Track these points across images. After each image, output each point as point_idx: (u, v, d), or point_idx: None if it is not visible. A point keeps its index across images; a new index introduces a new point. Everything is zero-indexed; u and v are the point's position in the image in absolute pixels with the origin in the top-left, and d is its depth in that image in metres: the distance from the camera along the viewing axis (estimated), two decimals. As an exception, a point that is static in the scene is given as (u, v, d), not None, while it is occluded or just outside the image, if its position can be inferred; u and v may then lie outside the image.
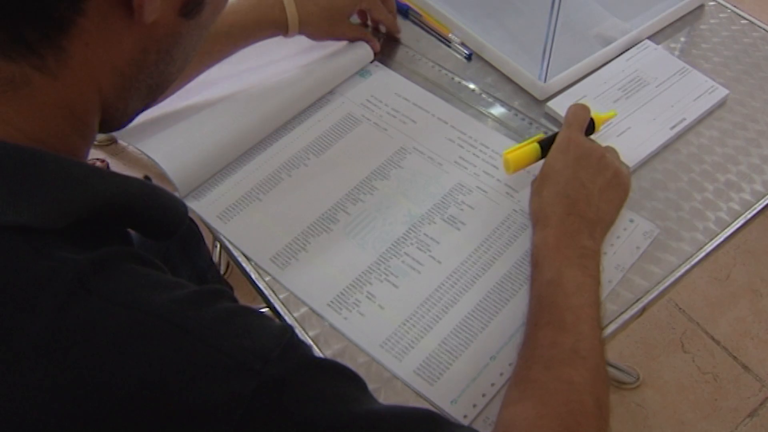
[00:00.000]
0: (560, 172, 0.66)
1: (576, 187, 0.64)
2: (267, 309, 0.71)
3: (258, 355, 0.38)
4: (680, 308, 1.60)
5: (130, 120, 0.51)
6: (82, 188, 0.41)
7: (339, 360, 0.65)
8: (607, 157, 0.67)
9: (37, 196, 0.39)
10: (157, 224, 0.47)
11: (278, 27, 0.80)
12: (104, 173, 0.43)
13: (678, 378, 1.51)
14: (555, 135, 0.71)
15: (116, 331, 0.37)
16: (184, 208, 0.50)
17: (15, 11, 0.38)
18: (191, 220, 0.75)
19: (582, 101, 0.84)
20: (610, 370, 1.47)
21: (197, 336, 0.38)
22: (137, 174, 0.74)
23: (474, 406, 0.63)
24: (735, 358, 1.53)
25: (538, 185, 0.68)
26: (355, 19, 0.92)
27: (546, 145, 0.71)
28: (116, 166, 1.71)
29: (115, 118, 0.49)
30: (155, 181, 0.81)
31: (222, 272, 1.51)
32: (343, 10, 0.85)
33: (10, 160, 0.39)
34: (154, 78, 0.48)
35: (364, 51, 0.88)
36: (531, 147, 0.72)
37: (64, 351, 0.36)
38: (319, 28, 0.84)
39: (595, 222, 0.65)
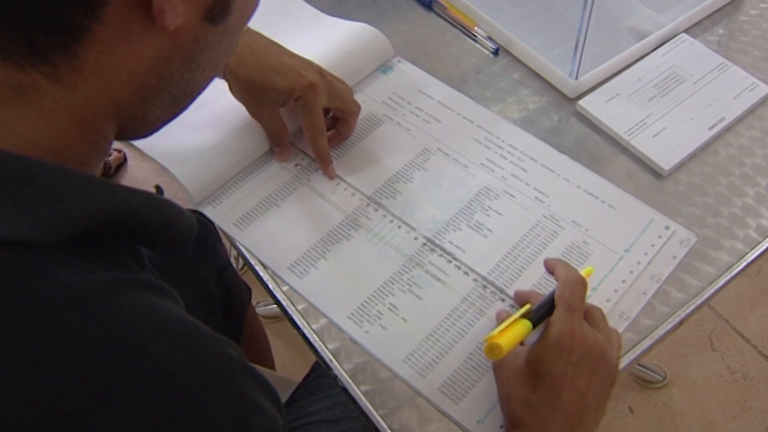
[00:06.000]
0: (557, 376, 0.56)
1: (573, 398, 0.56)
2: (275, 305, 0.68)
3: None
4: (709, 305, 1.55)
5: (155, 129, 0.49)
6: (81, 201, 0.38)
7: (360, 375, 0.62)
8: (607, 355, 0.58)
9: (32, 209, 0.36)
10: (161, 239, 0.45)
11: None
12: (107, 185, 0.40)
13: (706, 377, 1.47)
14: (548, 309, 0.58)
15: (105, 365, 0.34)
16: (192, 223, 0.47)
17: (26, 17, 0.36)
18: (207, 219, 0.72)
19: (615, 100, 0.81)
20: (637, 368, 1.45)
21: (195, 397, 0.35)
22: (151, 175, 0.72)
23: (501, 427, 0.60)
24: (766, 357, 1.49)
25: (522, 381, 0.57)
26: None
27: (538, 320, 0.58)
28: (133, 157, 1.69)
29: (134, 126, 0.46)
30: (167, 187, 0.78)
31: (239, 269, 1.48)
32: (272, 91, 0.70)
33: (6, 169, 0.37)
34: (179, 87, 0.45)
35: (384, 45, 0.85)
36: (521, 327, 0.57)
37: (50, 380, 0.33)
38: (241, 91, 0.72)
39: None
